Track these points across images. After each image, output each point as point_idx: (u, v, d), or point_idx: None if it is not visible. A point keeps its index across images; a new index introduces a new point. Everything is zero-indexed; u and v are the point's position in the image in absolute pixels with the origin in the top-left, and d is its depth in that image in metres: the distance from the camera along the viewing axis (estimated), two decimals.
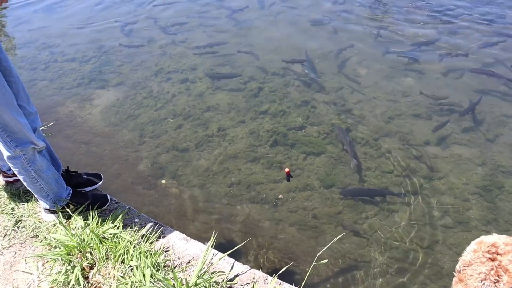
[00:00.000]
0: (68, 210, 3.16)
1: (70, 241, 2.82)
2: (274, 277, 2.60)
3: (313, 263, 2.71)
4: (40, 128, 3.17)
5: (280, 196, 4.96)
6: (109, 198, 3.50)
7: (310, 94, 7.04)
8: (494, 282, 1.83)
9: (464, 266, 1.98)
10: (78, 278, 2.67)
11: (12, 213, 3.35)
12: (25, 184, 3.02)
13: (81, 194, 3.33)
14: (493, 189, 5.17)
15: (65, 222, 3.10)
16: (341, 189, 5.19)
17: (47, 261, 2.88)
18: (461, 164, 5.55)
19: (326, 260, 2.77)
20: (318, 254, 2.85)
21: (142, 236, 3.01)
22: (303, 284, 2.58)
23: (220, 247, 2.96)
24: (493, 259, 1.89)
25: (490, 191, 5.15)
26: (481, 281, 1.86)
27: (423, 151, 5.68)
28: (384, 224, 4.78)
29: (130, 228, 3.09)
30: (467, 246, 4.42)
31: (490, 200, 5.04)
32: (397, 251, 4.49)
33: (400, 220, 4.83)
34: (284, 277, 2.73)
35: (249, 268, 2.76)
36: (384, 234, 4.66)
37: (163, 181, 5.42)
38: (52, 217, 3.22)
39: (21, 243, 3.12)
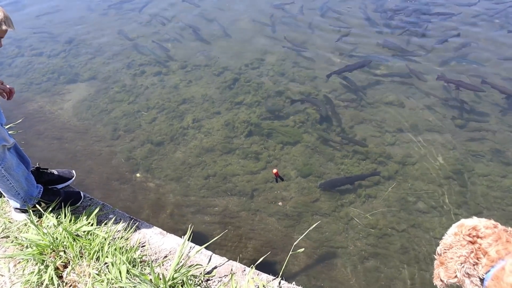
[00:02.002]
0: (39, 208, 3.08)
1: (42, 240, 2.75)
2: (251, 268, 2.60)
3: (290, 252, 2.72)
4: (9, 126, 3.07)
5: (279, 204, 4.94)
6: (82, 194, 3.42)
7: (284, 84, 7.04)
8: (473, 265, 1.86)
9: (445, 249, 2.00)
10: (52, 278, 2.61)
11: None
12: None
13: (52, 191, 3.24)
14: (465, 173, 5.30)
15: (37, 221, 3.02)
16: (320, 183, 5.18)
17: (19, 262, 2.80)
18: (434, 149, 5.66)
19: (303, 249, 2.79)
20: (294, 244, 2.87)
21: (117, 232, 2.96)
22: (280, 273, 2.59)
23: (198, 240, 2.94)
24: (473, 242, 1.90)
25: (461, 175, 5.27)
26: (461, 264, 1.89)
27: None
28: (360, 211, 4.84)
29: (105, 224, 3.04)
30: (441, 229, 4.56)
31: (462, 184, 5.16)
32: (374, 237, 4.56)
33: (376, 206, 4.91)
34: (262, 268, 2.74)
35: (227, 260, 2.75)
36: (361, 220, 4.73)
37: (138, 175, 5.35)
38: (23, 216, 3.13)
39: None
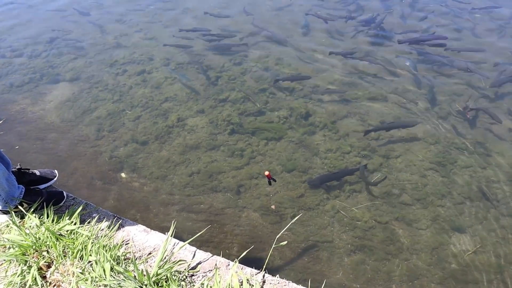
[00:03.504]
0: (21, 209, 3.05)
1: (25, 241, 2.73)
2: (235, 262, 2.62)
3: (273, 245, 2.74)
4: None
5: (272, 206, 4.91)
6: (65, 194, 3.39)
7: (268, 82, 7.05)
8: None
9: None
10: (35, 278, 2.59)
11: None
12: None
13: (34, 192, 3.21)
14: (447, 164, 5.39)
15: (19, 222, 2.99)
16: (308, 180, 5.19)
17: (1, 263, 2.77)
18: (417, 142, 5.74)
19: (285, 242, 2.81)
20: (277, 236, 2.89)
21: (101, 231, 2.95)
22: (264, 267, 2.61)
23: (185, 238, 2.94)
24: None
25: (444, 166, 5.36)
26: None
27: None
28: (345, 204, 4.89)
29: (88, 223, 3.02)
30: (425, 221, 4.64)
31: (445, 175, 5.25)
32: (359, 229, 4.61)
33: (360, 199, 4.96)
34: (248, 262, 2.75)
35: (211, 255, 2.76)
36: (346, 213, 4.78)
37: (123, 174, 5.32)
38: (4, 217, 3.09)
39: None
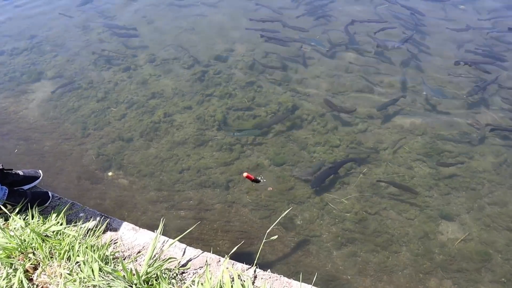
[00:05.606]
0: (5, 210, 2.98)
1: (10, 243, 2.66)
2: (226, 258, 2.59)
3: (264, 240, 2.72)
4: None
5: (269, 188, 4.87)
6: (50, 194, 3.32)
7: (255, 75, 7.01)
8: None
9: None
10: (22, 281, 2.53)
11: None
12: None
13: (18, 192, 3.13)
14: (434, 155, 5.42)
15: (3, 224, 2.92)
16: (311, 182, 5.04)
17: None
18: (404, 134, 5.76)
19: (276, 236, 2.80)
20: (267, 231, 2.87)
21: (88, 230, 2.90)
22: (255, 262, 2.59)
23: (174, 234, 2.91)
24: None
25: (431, 157, 5.39)
26: None
27: None
28: (334, 196, 4.89)
29: (75, 223, 2.96)
30: (413, 211, 4.66)
31: (432, 166, 5.28)
32: (348, 221, 4.62)
33: (349, 191, 4.97)
34: (239, 258, 2.74)
35: (202, 251, 2.73)
36: (335, 206, 4.78)
37: (110, 173, 5.25)
38: None
39: None
